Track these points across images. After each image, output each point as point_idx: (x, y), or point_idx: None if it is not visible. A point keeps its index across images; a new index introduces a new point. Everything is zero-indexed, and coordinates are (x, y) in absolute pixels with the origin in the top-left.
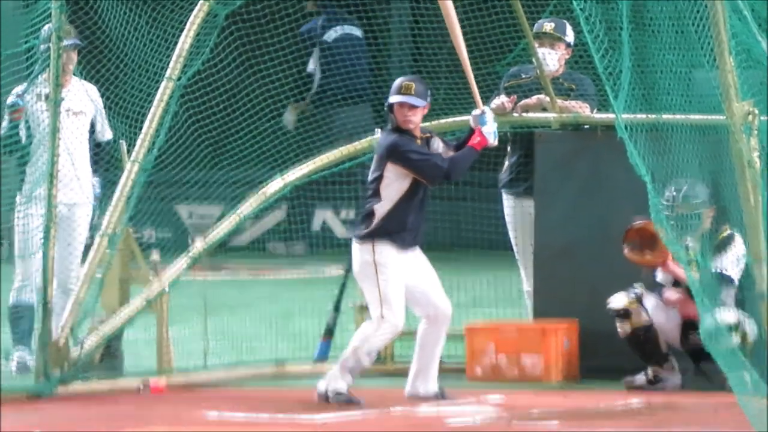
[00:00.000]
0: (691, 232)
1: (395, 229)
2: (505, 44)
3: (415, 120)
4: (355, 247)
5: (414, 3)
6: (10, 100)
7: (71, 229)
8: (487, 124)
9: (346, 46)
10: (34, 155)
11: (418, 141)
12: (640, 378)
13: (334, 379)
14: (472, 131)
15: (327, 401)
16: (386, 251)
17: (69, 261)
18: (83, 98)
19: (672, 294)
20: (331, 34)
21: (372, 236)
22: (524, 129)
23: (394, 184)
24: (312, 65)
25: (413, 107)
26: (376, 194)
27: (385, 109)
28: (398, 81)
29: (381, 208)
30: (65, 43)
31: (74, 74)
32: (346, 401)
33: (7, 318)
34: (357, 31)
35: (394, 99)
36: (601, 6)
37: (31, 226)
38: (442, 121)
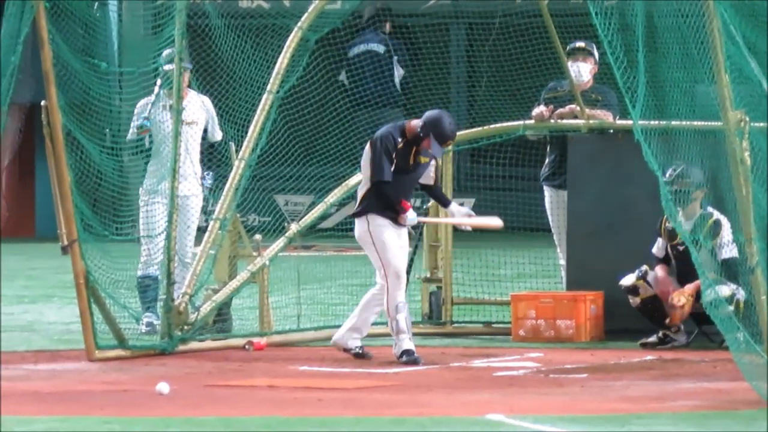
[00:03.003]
0: (683, 208)
1: None
2: (543, 63)
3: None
4: None
5: (468, 30)
6: (139, 122)
7: (188, 214)
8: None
9: (365, 59)
10: (154, 156)
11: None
12: (653, 338)
13: (397, 345)
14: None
15: (402, 362)
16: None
17: (186, 240)
18: (197, 109)
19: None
20: (354, 51)
21: None
22: (559, 133)
23: None
24: (343, 76)
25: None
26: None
27: (420, 127)
28: (450, 130)
29: None
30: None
31: (192, 88)
32: (413, 360)
33: (136, 288)
34: (380, 48)
35: (436, 144)
36: (621, 33)
37: (154, 212)
38: (486, 127)
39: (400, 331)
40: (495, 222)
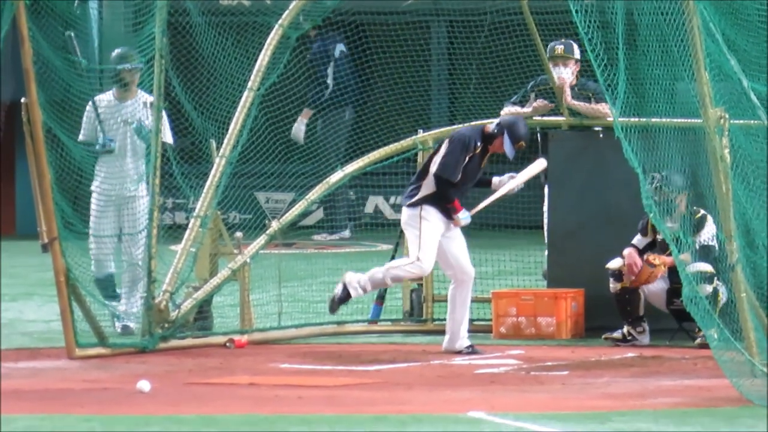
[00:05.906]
0: (669, 214)
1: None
2: (524, 60)
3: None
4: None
5: (449, 28)
6: (102, 141)
7: (136, 215)
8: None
9: (345, 60)
10: (100, 157)
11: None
12: (617, 333)
13: (359, 279)
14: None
15: (344, 294)
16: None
17: (134, 241)
18: (141, 108)
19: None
20: (337, 51)
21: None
22: (534, 130)
23: None
24: (329, 77)
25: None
26: None
27: (495, 125)
28: (524, 132)
29: None
30: (127, 65)
31: (141, 89)
32: (344, 294)
33: (98, 289)
34: (345, 48)
35: (509, 142)
36: (601, 30)
37: (103, 214)
38: (468, 124)
39: (373, 282)
40: (540, 165)
